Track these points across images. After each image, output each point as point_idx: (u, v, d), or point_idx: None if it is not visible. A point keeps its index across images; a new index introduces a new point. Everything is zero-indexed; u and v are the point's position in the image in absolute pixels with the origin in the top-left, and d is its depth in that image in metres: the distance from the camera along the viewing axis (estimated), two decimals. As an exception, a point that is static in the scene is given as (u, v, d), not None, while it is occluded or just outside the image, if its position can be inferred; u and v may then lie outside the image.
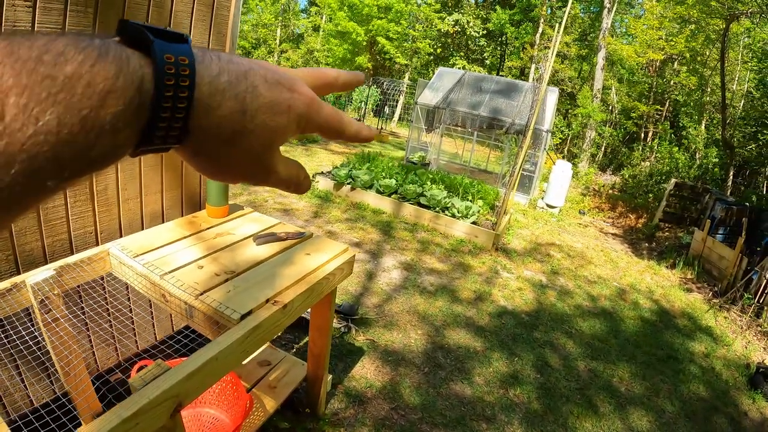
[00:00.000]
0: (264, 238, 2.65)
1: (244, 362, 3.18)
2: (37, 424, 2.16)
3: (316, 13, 32.98)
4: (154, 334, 3.32)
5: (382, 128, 18.22)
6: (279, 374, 3.18)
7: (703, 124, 19.48)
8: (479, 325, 5.10)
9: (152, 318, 3.27)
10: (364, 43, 25.46)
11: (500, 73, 25.93)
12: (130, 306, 3.05)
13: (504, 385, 4.17)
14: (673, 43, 18.72)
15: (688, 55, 19.60)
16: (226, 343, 1.82)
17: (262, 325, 2.00)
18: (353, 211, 8.11)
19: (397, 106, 23.91)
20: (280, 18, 32.60)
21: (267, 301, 2.12)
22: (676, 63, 21.06)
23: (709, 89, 19.33)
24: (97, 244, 2.65)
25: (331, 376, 3.40)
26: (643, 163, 18.65)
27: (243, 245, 2.61)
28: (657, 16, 19.36)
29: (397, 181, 8.52)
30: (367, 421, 3.45)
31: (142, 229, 2.88)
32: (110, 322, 2.93)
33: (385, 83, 19.61)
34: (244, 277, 2.29)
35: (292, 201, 7.86)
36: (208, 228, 2.76)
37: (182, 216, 3.06)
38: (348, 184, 8.59)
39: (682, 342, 5.67)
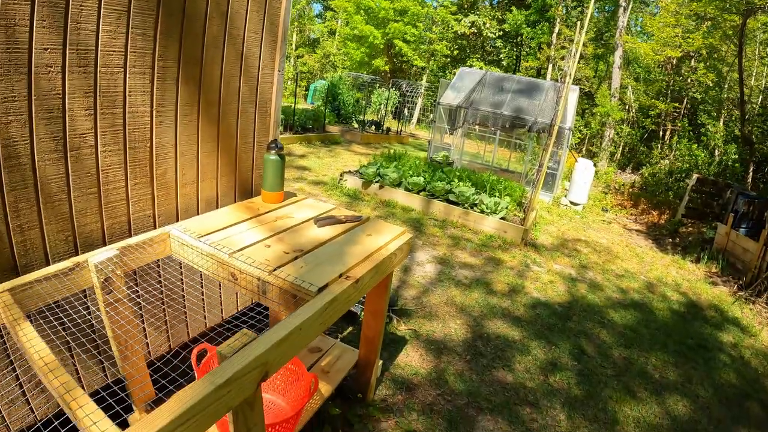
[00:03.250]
0: (324, 220, 2.68)
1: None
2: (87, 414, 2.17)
3: (331, 18, 33.05)
4: (205, 321, 3.35)
5: (401, 130, 18.17)
6: (331, 360, 3.20)
7: (722, 121, 19.35)
8: (515, 316, 5.12)
9: (204, 305, 3.30)
10: (381, 47, 25.52)
11: (517, 74, 25.86)
12: (183, 293, 3.08)
13: (544, 372, 4.20)
14: (690, 40, 18.59)
15: (705, 52, 19.48)
16: (307, 314, 1.84)
17: (338, 298, 2.03)
18: (383, 208, 8.16)
19: (415, 108, 23.93)
20: (295, 23, 32.72)
21: (340, 276, 2.16)
22: (693, 60, 20.93)
23: (726, 86, 19.21)
24: (155, 228, 2.68)
25: (381, 361, 3.42)
26: (662, 161, 18.53)
27: (304, 227, 2.64)
28: (673, 12, 19.24)
29: (425, 179, 8.55)
30: (416, 406, 3.47)
31: (197, 214, 2.91)
32: (163, 308, 2.96)
33: (404, 85, 19.60)
34: (313, 255, 2.33)
35: (321, 199, 7.90)
36: (266, 212, 2.80)
37: (235, 202, 3.10)
38: (376, 182, 8.62)
39: (711, 332, 5.70)
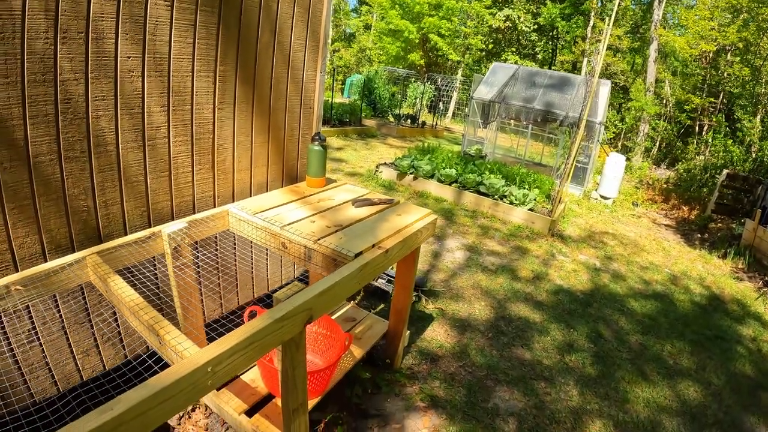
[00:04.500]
0: (361, 202, 3.12)
1: (334, 317, 3.66)
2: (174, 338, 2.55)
3: (366, 12, 33.37)
4: (253, 291, 3.82)
5: (436, 124, 18.34)
6: (363, 329, 3.64)
7: (758, 117, 19.19)
8: (537, 300, 5.43)
9: (252, 277, 3.77)
10: (417, 41, 25.75)
11: (552, 68, 25.84)
12: (235, 265, 3.55)
13: (560, 352, 4.50)
14: (725, 34, 18.49)
15: (741, 45, 19.31)
16: (345, 273, 2.31)
17: (370, 263, 2.49)
18: (416, 199, 8.56)
19: (450, 101, 24.12)
20: (331, 18, 33.05)
21: (373, 246, 2.61)
22: (729, 54, 20.73)
23: (763, 80, 19.03)
24: (215, 206, 3.17)
25: (408, 332, 3.83)
26: (697, 157, 18.45)
27: (343, 208, 3.10)
28: (708, 6, 19.13)
29: (457, 171, 8.89)
30: (439, 375, 3.86)
31: (250, 196, 3.40)
32: (219, 276, 3.43)
33: (439, 79, 19.77)
34: (350, 229, 2.78)
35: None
36: (310, 195, 3.26)
37: (282, 187, 3.57)
38: (410, 174, 9.03)
39: (730, 325, 5.81)
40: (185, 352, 1.85)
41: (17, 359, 2.61)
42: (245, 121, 3.24)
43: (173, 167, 2.92)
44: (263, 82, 3.27)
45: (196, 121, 2.95)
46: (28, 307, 2.56)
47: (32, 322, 2.61)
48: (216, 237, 3.27)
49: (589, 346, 4.69)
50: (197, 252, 3.15)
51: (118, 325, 2.96)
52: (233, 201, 3.30)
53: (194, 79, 2.89)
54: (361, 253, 2.54)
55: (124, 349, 3.04)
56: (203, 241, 3.19)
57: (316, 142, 3.36)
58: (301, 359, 2.24)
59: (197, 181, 3.06)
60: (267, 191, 3.52)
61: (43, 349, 2.69)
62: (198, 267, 3.19)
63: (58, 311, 2.69)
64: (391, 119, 17.67)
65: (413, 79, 20.79)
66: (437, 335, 4.41)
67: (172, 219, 2.98)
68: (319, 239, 2.64)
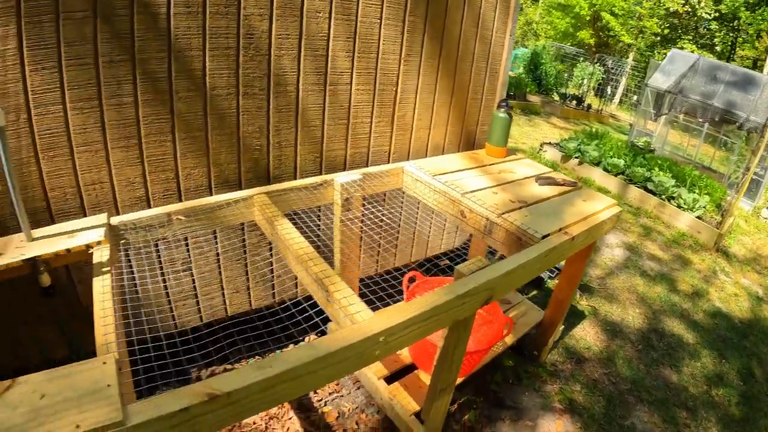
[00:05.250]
0: (544, 179, 2.94)
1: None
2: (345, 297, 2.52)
3: (535, -16, 32.42)
4: (411, 254, 3.75)
5: (602, 109, 17.58)
6: (517, 314, 3.49)
7: None
8: (693, 320, 5.07)
9: (413, 239, 3.69)
10: (587, 18, 24.66)
11: (731, 63, 24.02)
12: (398, 226, 3.48)
13: (708, 382, 4.16)
14: None
15: None
16: (532, 255, 2.17)
17: (556, 249, 2.33)
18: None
19: (618, 87, 23.00)
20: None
21: (559, 230, 2.42)
22: None
23: None
24: (388, 162, 3.08)
25: (562, 326, 3.64)
26: None
27: (526, 183, 2.93)
28: None
29: (624, 162, 8.44)
30: (582, 378, 3.66)
31: (425, 156, 3.29)
32: (380, 235, 3.37)
33: (609, 62, 18.84)
34: (535, 208, 2.62)
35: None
36: (490, 164, 3.12)
37: (458, 151, 3.43)
38: (576, 157, 8.66)
39: None
40: (356, 315, 1.77)
41: (168, 286, 2.67)
42: (430, 78, 3.13)
43: (352, 116, 2.87)
44: (451, 39, 3.14)
45: (380, 71, 2.88)
46: (186, 238, 2.60)
47: (188, 253, 2.65)
48: (384, 194, 3.19)
49: (738, 383, 4.31)
50: (365, 206, 3.10)
51: (272, 269, 2.96)
52: (408, 159, 3.22)
53: (382, 26, 2.81)
54: (548, 235, 2.38)
55: (273, 290, 3.05)
56: (370, 196, 3.13)
57: (503, 109, 3.20)
58: (465, 340, 2.15)
59: (375, 134, 3.00)
60: (442, 153, 3.41)
61: (194, 279, 2.75)
62: (363, 222, 3.15)
63: (216, 246, 2.72)
64: (556, 98, 17.08)
65: (581, 59, 19.94)
66: (587, 335, 4.19)
67: (344, 169, 2.95)
68: (503, 213, 2.50)
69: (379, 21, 2.77)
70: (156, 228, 2.27)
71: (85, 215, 2.46)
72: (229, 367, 3.07)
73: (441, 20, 3.02)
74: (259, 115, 2.57)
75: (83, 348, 2.64)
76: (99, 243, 2.07)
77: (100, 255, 2.01)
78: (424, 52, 3.02)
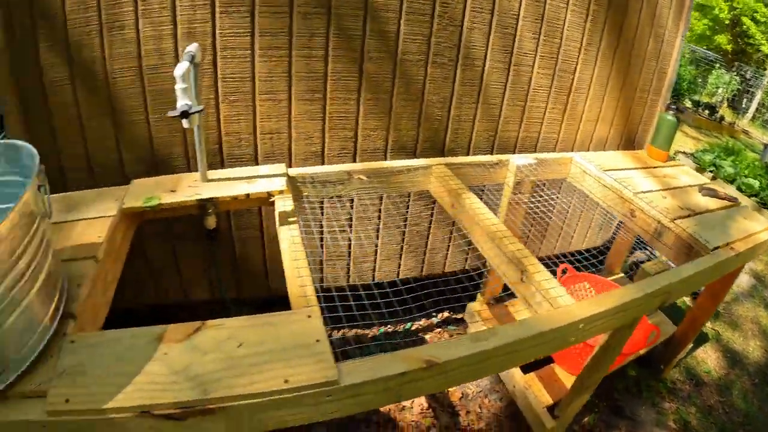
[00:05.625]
0: (707, 190, 2.87)
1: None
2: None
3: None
4: (555, 246, 3.78)
5: (735, 122, 16.66)
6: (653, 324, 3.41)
7: None
8: (818, 363, 4.85)
9: (560, 231, 3.66)
10: (726, 21, 23.39)
11: None
12: (551, 214, 3.45)
13: None
14: None
15: None
16: (705, 265, 2.16)
17: (724, 263, 2.30)
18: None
19: (753, 100, 21.70)
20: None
21: (726, 244, 2.37)
22: None
23: None
24: (554, 150, 3.06)
25: (691, 344, 3.54)
26: None
27: (689, 191, 2.88)
28: None
29: (760, 183, 8.05)
30: (698, 402, 3.57)
31: (587, 150, 3.28)
32: (534, 221, 3.37)
33: (748, 72, 17.69)
34: (702, 218, 2.59)
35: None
36: (654, 167, 3.04)
37: (618, 149, 3.37)
38: (710, 171, 8.30)
39: None
40: (559, 299, 1.78)
41: (323, 244, 2.73)
42: (604, 70, 3.10)
43: (529, 99, 2.89)
44: (627, 34, 3.10)
45: (561, 57, 2.88)
46: (353, 199, 2.65)
47: (351, 214, 2.70)
48: (545, 182, 3.17)
49: None
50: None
51: (427, 241, 3.00)
52: (572, 150, 3.20)
53: (568, 11, 2.80)
54: (717, 248, 2.34)
55: (423, 264, 3.09)
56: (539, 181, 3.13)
57: (671, 112, 3.13)
58: (624, 341, 2.15)
59: (547, 120, 3.02)
60: (603, 149, 3.36)
61: (350, 241, 2.80)
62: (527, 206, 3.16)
63: (379, 211, 2.76)
64: (688, 104, 16.29)
65: (717, 65, 18.90)
66: (708, 358, 4.07)
67: (514, 151, 2.97)
68: (674, 219, 2.47)
69: (565, 6, 2.76)
70: (334, 185, 2.33)
71: (256, 164, 2.54)
72: (360, 332, 3.14)
73: (620, 13, 2.98)
74: (445, 86, 2.62)
75: (227, 295, 2.73)
76: (281, 192, 2.14)
77: (283, 204, 2.09)
78: (603, 43, 2.98)
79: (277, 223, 2.06)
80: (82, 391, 1.20)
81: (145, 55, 2.24)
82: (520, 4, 2.61)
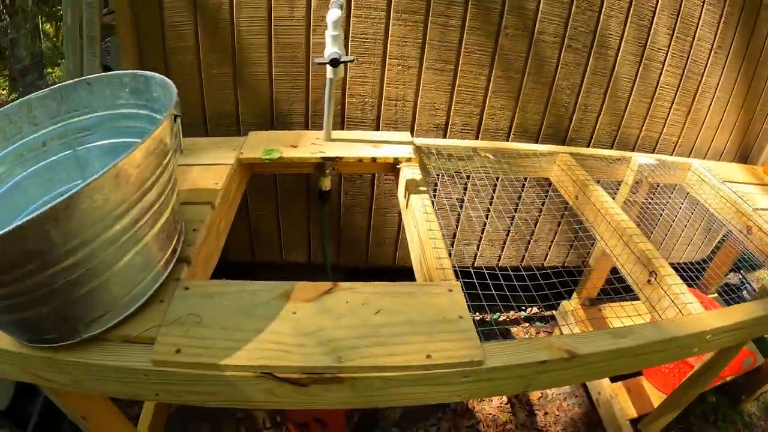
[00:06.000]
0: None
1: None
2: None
3: None
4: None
5: None
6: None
7: None
8: None
9: (663, 239, 3.53)
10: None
11: None
12: (657, 220, 3.34)
13: None
14: None
15: None
16: None
17: None
18: None
19: None
20: None
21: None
22: None
23: None
24: (671, 154, 2.97)
25: (778, 379, 3.44)
26: None
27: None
28: None
29: None
30: (768, 441, 3.45)
31: (703, 158, 3.15)
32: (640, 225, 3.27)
33: None
34: None
35: None
36: None
37: (732, 162, 3.25)
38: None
39: None
40: (689, 306, 1.67)
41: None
42: (731, 77, 2.96)
43: (656, 97, 2.77)
44: (757, 41, 2.96)
45: (691, 57, 2.76)
46: (469, 177, 2.58)
47: (464, 194, 2.64)
48: (657, 185, 3.08)
49: None
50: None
51: (533, 231, 2.94)
52: (689, 155, 3.08)
53: (703, 9, 2.66)
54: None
55: (524, 254, 3.02)
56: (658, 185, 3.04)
57: (794, 131, 3.00)
58: (730, 360, 2.04)
59: (669, 121, 2.90)
60: (719, 160, 3.24)
61: (458, 221, 2.73)
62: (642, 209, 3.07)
63: (492, 192, 2.70)
64: None
65: None
66: (784, 396, 3.94)
67: (633, 149, 2.87)
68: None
69: (701, 3, 2.63)
70: (455, 159, 2.25)
71: (377, 129, 2.48)
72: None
73: (753, 16, 2.85)
74: (576, 72, 2.53)
75: (326, 259, 2.68)
76: (408, 160, 2.07)
77: (411, 172, 2.01)
78: (733, 47, 2.86)
79: (402, 191, 2.00)
80: (196, 342, 1.16)
81: (275, 6, 2.20)
82: (656, 5, 2.51)
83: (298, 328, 1.20)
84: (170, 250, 1.33)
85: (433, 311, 1.29)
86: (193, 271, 1.44)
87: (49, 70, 6.06)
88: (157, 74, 1.35)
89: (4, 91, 6.11)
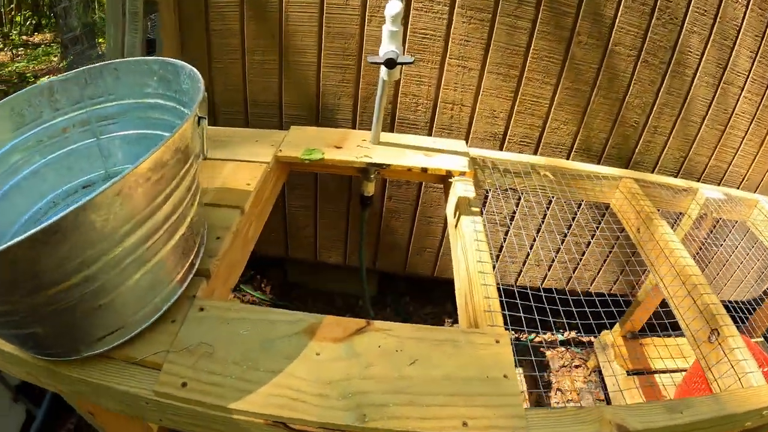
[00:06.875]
0: None
1: None
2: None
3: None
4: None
5: None
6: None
7: None
8: None
9: (714, 276, 3.37)
10: None
11: None
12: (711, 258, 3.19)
13: None
14: None
15: None
16: None
17: None
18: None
19: None
20: None
21: None
22: None
23: None
24: (737, 188, 2.80)
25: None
26: None
27: None
28: None
29: None
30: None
31: (755, 191, 2.95)
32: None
33: None
34: None
35: None
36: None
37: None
38: None
39: None
40: (750, 376, 1.49)
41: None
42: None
43: (730, 124, 2.57)
44: None
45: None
46: (521, 196, 2.44)
47: (515, 211, 2.49)
48: (717, 220, 2.91)
49: None
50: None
51: (583, 255, 2.81)
52: (755, 191, 2.90)
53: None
54: None
55: (570, 278, 2.88)
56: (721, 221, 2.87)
57: None
58: None
59: (741, 152, 2.71)
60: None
61: (505, 238, 2.58)
62: (701, 246, 2.90)
63: (545, 211, 2.55)
64: None
65: None
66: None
67: (698, 179, 2.68)
68: None
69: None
70: (512, 175, 2.09)
71: (429, 133, 2.34)
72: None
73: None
74: (650, 91, 2.34)
75: (362, 266, 2.55)
76: (462, 173, 1.92)
77: (464, 189, 1.86)
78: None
79: (452, 208, 1.85)
80: (205, 377, 1.04)
81: (330, -8, 2.07)
82: (744, 15, 2.30)
83: (320, 374, 1.07)
84: (187, 265, 1.21)
85: (476, 367, 1.14)
86: (212, 287, 1.33)
87: (100, 40, 6.14)
88: (186, 64, 1.24)
89: (56, 59, 6.44)
